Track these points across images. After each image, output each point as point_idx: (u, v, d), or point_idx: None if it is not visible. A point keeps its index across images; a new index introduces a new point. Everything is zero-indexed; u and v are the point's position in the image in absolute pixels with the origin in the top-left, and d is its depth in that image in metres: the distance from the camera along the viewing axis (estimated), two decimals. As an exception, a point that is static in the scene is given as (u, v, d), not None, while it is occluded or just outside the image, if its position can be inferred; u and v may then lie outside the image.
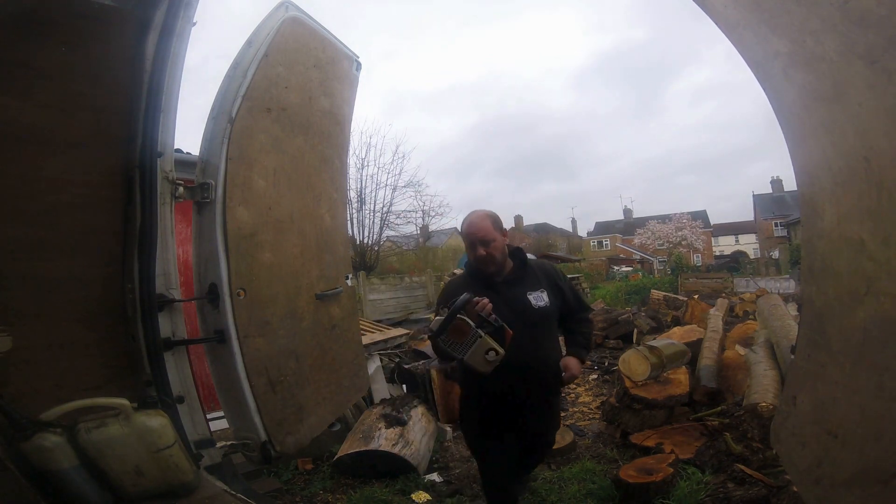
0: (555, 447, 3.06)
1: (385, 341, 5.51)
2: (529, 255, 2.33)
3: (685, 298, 9.72)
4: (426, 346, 5.61)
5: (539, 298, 2.10)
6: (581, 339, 2.28)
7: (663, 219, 35.96)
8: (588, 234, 53.02)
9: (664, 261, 28.08)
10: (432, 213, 20.32)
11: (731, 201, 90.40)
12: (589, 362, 5.79)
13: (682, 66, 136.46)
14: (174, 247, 2.18)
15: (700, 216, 40.64)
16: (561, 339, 2.34)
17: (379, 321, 8.08)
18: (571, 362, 2.12)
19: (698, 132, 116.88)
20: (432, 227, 22.26)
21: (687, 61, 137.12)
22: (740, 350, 4.50)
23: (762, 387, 3.44)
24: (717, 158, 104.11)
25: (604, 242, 48.45)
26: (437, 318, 1.86)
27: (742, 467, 2.72)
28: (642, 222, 38.69)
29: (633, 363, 3.68)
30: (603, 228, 52.54)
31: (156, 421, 1.78)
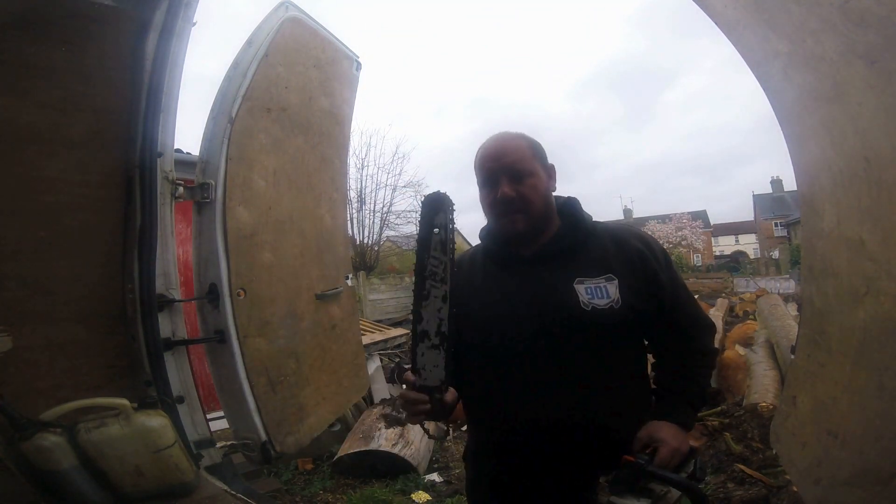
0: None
1: (385, 341, 5.52)
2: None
3: (685, 298, 9.70)
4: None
5: (599, 291, 1.12)
6: (684, 384, 1.20)
7: (663, 219, 35.97)
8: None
9: (664, 261, 27.97)
10: (432, 213, 20.30)
11: (727, 202, 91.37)
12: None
13: (675, 76, 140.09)
14: (174, 247, 2.18)
15: (700, 216, 40.64)
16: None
17: (379, 321, 8.08)
18: (665, 430, 1.09)
19: (693, 137, 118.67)
20: (432, 227, 22.24)
21: (680, 71, 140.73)
22: (740, 350, 4.51)
23: (762, 387, 3.45)
24: (712, 162, 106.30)
25: (604, 242, 48.33)
26: None
27: (742, 467, 2.72)
28: (642, 222, 38.64)
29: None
30: (603, 228, 52.42)
31: (156, 421, 1.78)
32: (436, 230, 1.09)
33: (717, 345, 5.10)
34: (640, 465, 1.05)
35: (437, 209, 1.10)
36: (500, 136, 1.20)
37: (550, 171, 1.22)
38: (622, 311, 1.11)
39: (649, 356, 1.28)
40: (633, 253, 1.17)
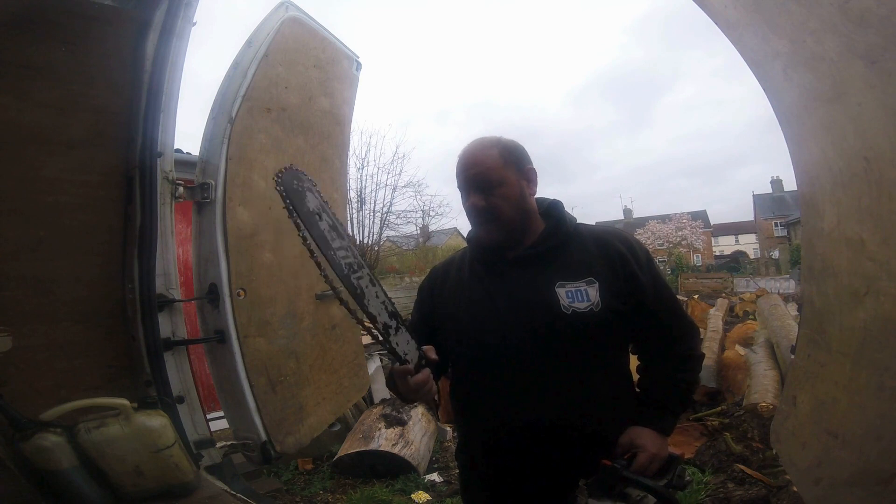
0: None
1: (385, 341, 5.50)
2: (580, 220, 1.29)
3: (685, 298, 9.72)
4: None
5: (579, 295, 1.13)
6: (667, 390, 1.21)
7: (663, 219, 35.92)
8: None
9: (664, 261, 28.07)
10: (432, 213, 20.31)
11: (727, 202, 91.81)
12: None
13: (673, 80, 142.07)
14: (174, 247, 2.18)
15: (700, 216, 40.63)
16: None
17: (379, 321, 8.04)
18: (645, 436, 1.13)
19: (693, 138, 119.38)
20: (432, 227, 22.23)
21: (678, 77, 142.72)
22: (740, 350, 4.51)
23: (762, 387, 3.45)
24: (712, 162, 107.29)
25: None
26: None
27: (742, 467, 2.72)
28: (642, 222, 38.63)
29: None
30: (603, 229, 52.52)
31: (156, 421, 1.78)
32: (318, 217, 0.96)
33: (716, 346, 5.10)
34: (618, 469, 1.07)
35: (301, 194, 0.92)
36: (474, 144, 1.21)
37: (530, 176, 1.22)
38: (602, 314, 1.12)
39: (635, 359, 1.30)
40: (614, 254, 1.18)
